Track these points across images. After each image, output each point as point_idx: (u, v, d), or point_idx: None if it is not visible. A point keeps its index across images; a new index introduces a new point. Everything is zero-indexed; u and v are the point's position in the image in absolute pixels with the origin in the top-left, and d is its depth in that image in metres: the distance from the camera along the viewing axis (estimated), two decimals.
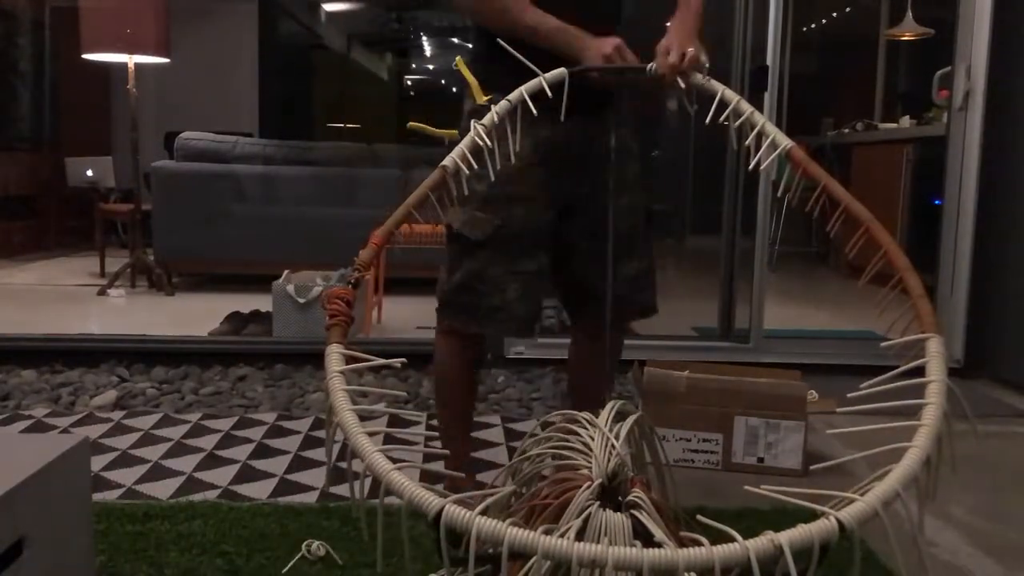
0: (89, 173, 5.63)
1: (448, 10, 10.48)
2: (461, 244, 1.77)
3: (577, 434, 1.07)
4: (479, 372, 2.03)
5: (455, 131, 1.86)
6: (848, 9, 7.15)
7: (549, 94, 1.37)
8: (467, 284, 1.76)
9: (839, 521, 0.77)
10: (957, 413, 0.95)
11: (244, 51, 7.99)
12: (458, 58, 1.86)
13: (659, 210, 7.23)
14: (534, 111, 1.33)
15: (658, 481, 1.24)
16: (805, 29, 7.94)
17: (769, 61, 3.25)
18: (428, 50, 13.26)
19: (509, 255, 1.74)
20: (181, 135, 5.14)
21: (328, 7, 10.41)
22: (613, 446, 1.01)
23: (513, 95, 1.30)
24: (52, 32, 7.04)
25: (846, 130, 6.11)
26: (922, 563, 0.85)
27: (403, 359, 1.04)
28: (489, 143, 1.25)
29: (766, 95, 3.24)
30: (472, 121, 1.28)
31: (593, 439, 1.04)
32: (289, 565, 1.69)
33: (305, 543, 1.75)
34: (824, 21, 8.10)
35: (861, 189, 5.32)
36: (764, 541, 0.75)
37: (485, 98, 1.72)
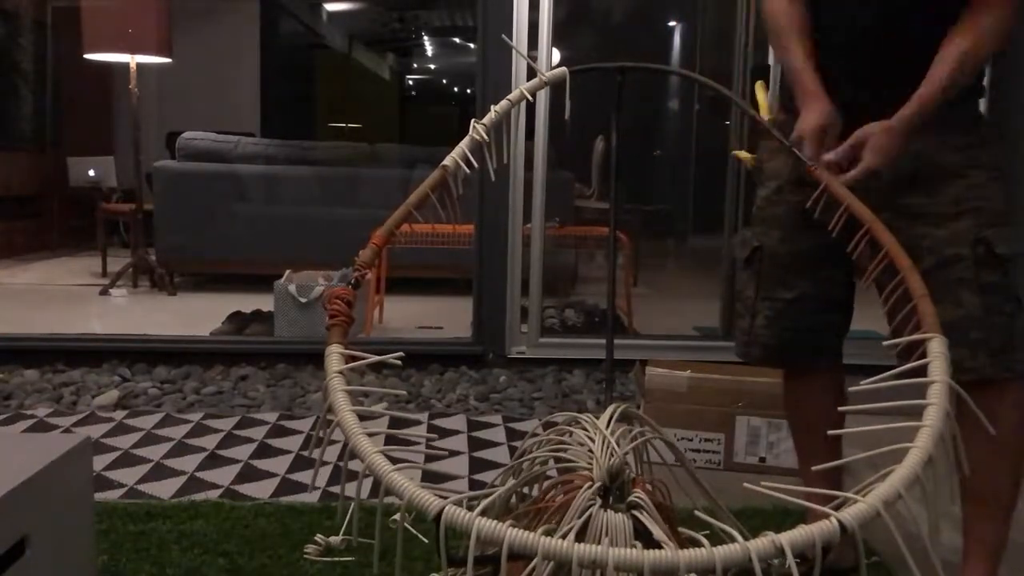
0: (91, 173, 5.64)
1: (449, 10, 10.51)
2: (736, 264, 1.76)
3: (578, 435, 1.07)
4: (805, 395, 1.77)
5: (751, 154, 1.83)
6: None
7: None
8: (734, 305, 1.75)
9: (840, 522, 0.77)
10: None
11: (246, 51, 8.00)
12: (759, 82, 1.85)
13: (659, 210, 7.25)
14: (531, 99, 1.31)
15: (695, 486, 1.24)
16: None
17: (771, 60, 3.24)
18: (429, 50, 13.27)
19: (763, 280, 1.67)
20: (183, 135, 5.14)
21: (330, 7, 10.42)
22: (614, 447, 1.01)
23: (514, 94, 1.30)
24: (54, 32, 7.04)
25: None
26: (936, 567, 0.84)
27: (401, 353, 1.04)
28: (487, 139, 1.25)
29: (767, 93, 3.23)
30: (472, 121, 1.27)
31: (594, 440, 1.04)
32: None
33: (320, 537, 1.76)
34: None
35: None
36: (765, 542, 0.75)
37: (769, 116, 1.67)
